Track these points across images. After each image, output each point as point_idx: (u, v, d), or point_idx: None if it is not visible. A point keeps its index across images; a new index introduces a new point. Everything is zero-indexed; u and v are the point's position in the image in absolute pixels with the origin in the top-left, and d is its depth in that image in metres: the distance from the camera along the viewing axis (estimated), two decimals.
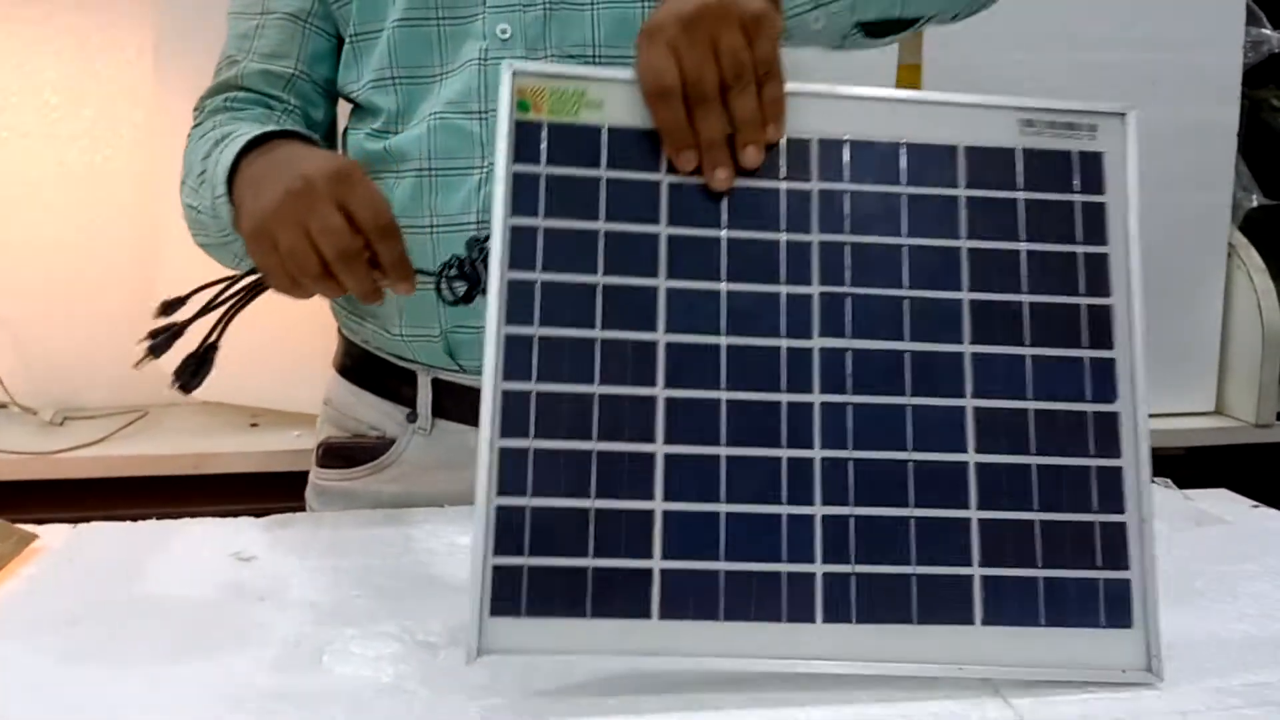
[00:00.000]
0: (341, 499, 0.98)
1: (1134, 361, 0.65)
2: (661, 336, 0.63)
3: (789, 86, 0.65)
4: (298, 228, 0.69)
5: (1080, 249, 0.66)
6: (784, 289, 0.64)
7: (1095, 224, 0.66)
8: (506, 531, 0.60)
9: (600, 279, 0.63)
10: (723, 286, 0.63)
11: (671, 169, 0.64)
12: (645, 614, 0.60)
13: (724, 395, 0.62)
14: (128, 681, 0.62)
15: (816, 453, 0.62)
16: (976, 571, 0.62)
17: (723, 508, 0.61)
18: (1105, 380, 0.65)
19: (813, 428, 0.62)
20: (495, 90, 0.76)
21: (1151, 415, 0.65)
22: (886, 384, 0.63)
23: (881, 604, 0.61)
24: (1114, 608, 0.62)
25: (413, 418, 0.95)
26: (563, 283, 0.62)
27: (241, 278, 0.78)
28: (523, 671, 0.61)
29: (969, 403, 0.64)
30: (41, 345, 1.55)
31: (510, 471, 0.60)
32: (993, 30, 0.97)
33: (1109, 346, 0.65)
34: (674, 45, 0.64)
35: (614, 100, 0.64)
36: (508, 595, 0.59)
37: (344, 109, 0.97)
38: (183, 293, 0.78)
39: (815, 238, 0.64)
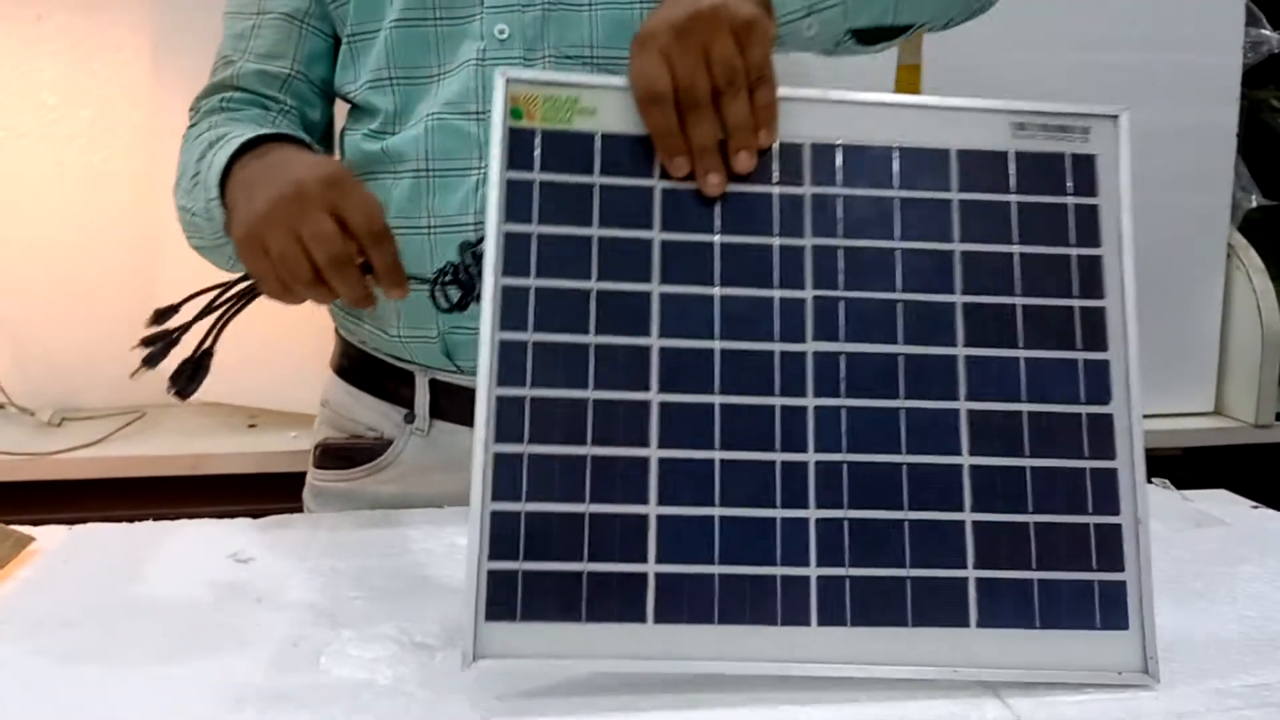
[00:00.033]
0: (339, 500, 0.99)
1: (1128, 363, 0.65)
2: (655, 341, 0.63)
3: (781, 91, 0.65)
4: (289, 233, 0.69)
5: (1073, 251, 0.66)
6: (777, 293, 0.64)
7: (1088, 226, 0.66)
8: (501, 537, 0.60)
9: (594, 284, 0.63)
10: (716, 291, 0.63)
11: (665, 175, 0.64)
12: (640, 618, 0.60)
13: (718, 400, 0.62)
14: (125, 683, 0.62)
15: (810, 456, 0.62)
16: (971, 574, 0.62)
17: (717, 511, 0.61)
18: (1099, 382, 0.65)
19: (807, 431, 0.62)
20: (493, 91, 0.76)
21: (1150, 416, 0.65)
22: (880, 387, 0.63)
23: (876, 607, 0.61)
24: (1109, 610, 0.62)
25: (410, 418, 0.95)
26: (557, 288, 0.62)
27: (235, 283, 0.78)
28: (520, 672, 0.61)
29: (963, 405, 0.64)
30: (39, 346, 1.54)
31: (505, 477, 0.60)
32: (992, 30, 0.97)
33: (1103, 348, 0.65)
34: (666, 52, 0.64)
35: (607, 107, 0.65)
36: (503, 600, 0.59)
37: (341, 109, 0.97)
38: (181, 293, 0.78)
39: (808, 242, 0.65)
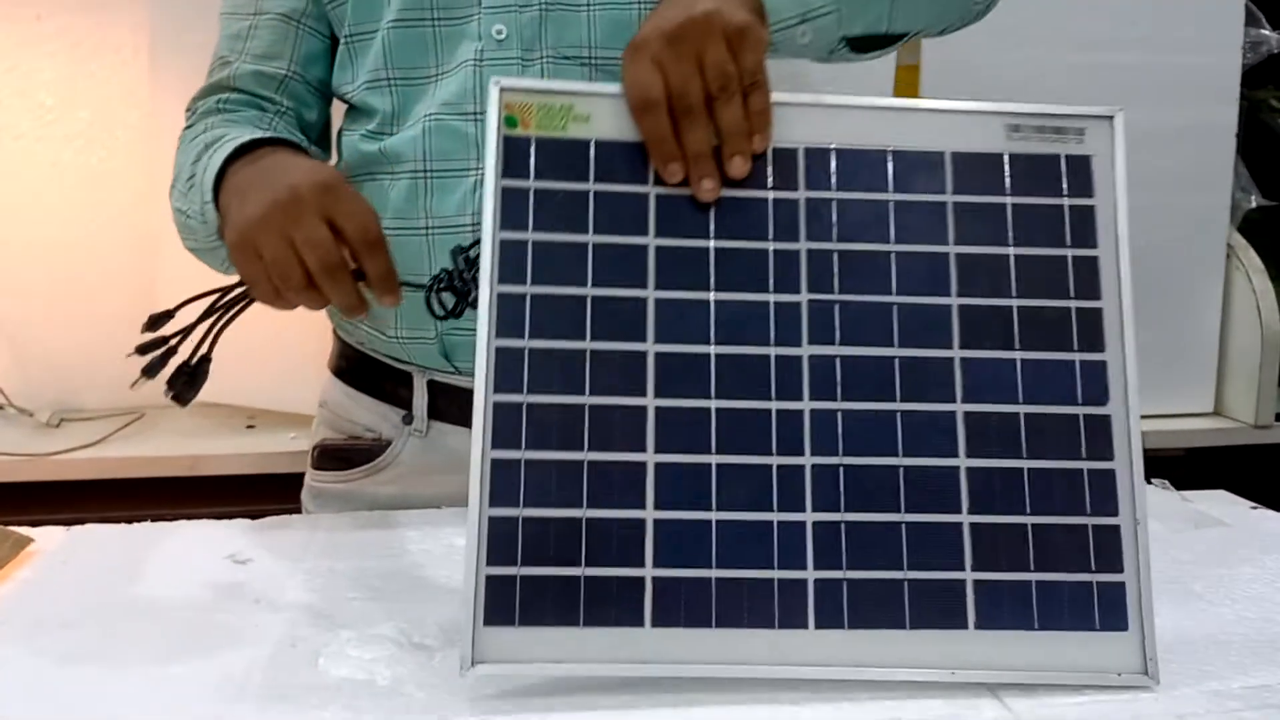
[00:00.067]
0: (337, 501, 0.99)
1: (1125, 363, 0.65)
2: (651, 346, 0.63)
3: (775, 96, 0.65)
4: (282, 238, 0.69)
5: (1069, 252, 0.66)
6: (773, 297, 0.64)
7: (1084, 227, 0.66)
8: (499, 542, 0.60)
9: (590, 291, 0.63)
10: (711, 296, 0.63)
11: (659, 181, 0.64)
12: (638, 622, 0.60)
13: (714, 404, 0.62)
14: (124, 683, 0.62)
15: (807, 460, 0.62)
16: (969, 576, 0.62)
17: (714, 515, 0.61)
18: (1096, 383, 0.64)
19: (803, 435, 0.62)
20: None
21: (1150, 416, 0.65)
22: (876, 390, 0.63)
23: (874, 609, 0.61)
24: (1109, 611, 0.62)
25: (408, 420, 0.95)
26: (552, 295, 0.63)
27: (231, 289, 0.78)
28: (518, 676, 0.61)
29: (959, 407, 0.64)
30: (37, 347, 1.54)
31: (502, 483, 0.60)
32: (992, 31, 0.97)
33: (1100, 349, 0.65)
34: (659, 59, 0.64)
35: (601, 114, 0.65)
36: (501, 605, 0.59)
37: (339, 109, 0.97)
38: (181, 293, 0.78)
39: (803, 246, 0.65)
